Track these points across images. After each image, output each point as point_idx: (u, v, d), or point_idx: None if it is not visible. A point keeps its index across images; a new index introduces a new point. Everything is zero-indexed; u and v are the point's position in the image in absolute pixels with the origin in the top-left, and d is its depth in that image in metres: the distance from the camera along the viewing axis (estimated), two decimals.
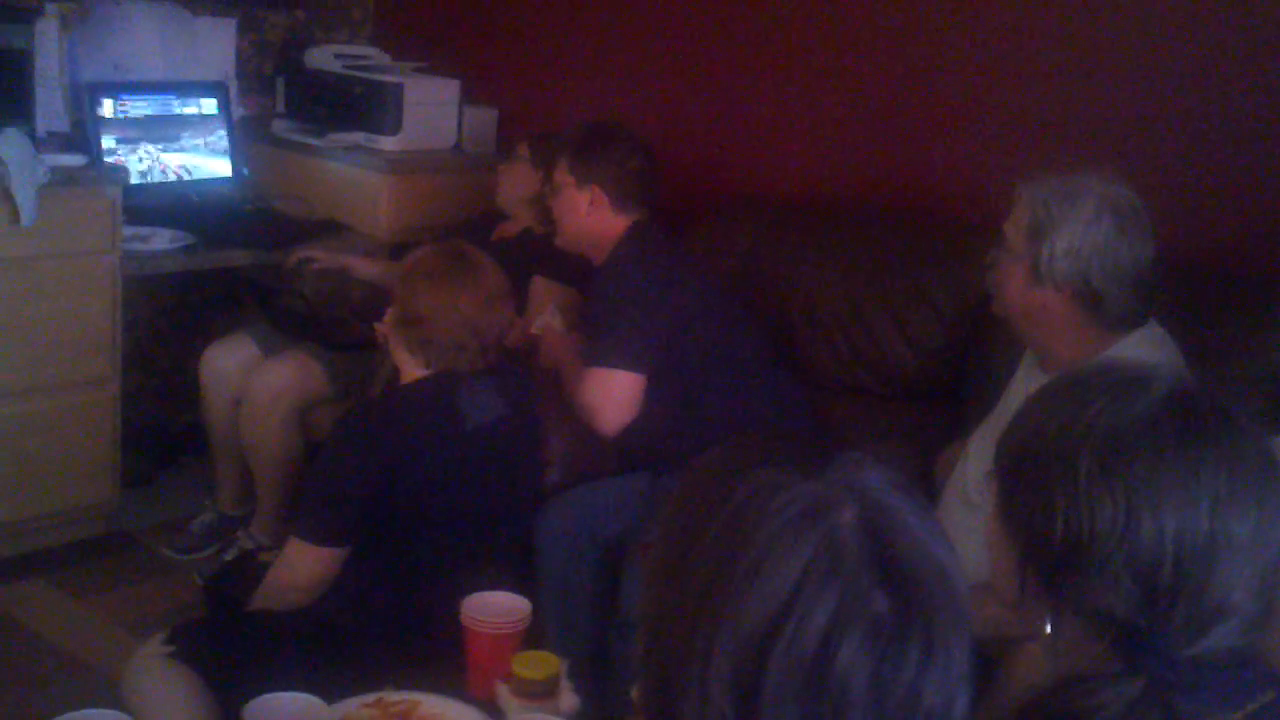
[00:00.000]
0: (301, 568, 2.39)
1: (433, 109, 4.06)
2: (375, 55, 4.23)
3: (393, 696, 1.94)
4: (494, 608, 2.03)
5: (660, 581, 0.94)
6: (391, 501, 2.39)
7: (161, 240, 3.53)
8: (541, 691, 1.85)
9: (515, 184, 3.52)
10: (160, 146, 3.83)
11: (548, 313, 3.11)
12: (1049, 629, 1.22)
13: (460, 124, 4.14)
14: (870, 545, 0.88)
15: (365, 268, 3.56)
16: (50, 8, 3.59)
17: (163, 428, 4.02)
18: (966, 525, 2.18)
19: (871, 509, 0.90)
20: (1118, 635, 1.15)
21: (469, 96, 4.15)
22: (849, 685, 0.85)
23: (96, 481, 3.47)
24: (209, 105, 3.96)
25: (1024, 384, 2.25)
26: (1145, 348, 2.15)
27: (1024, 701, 1.17)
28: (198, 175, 3.92)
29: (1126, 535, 1.14)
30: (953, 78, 3.27)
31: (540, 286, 3.29)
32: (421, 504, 2.41)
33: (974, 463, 2.27)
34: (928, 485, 2.57)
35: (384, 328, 2.51)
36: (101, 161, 3.54)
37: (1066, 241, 2.14)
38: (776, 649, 0.86)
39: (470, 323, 2.41)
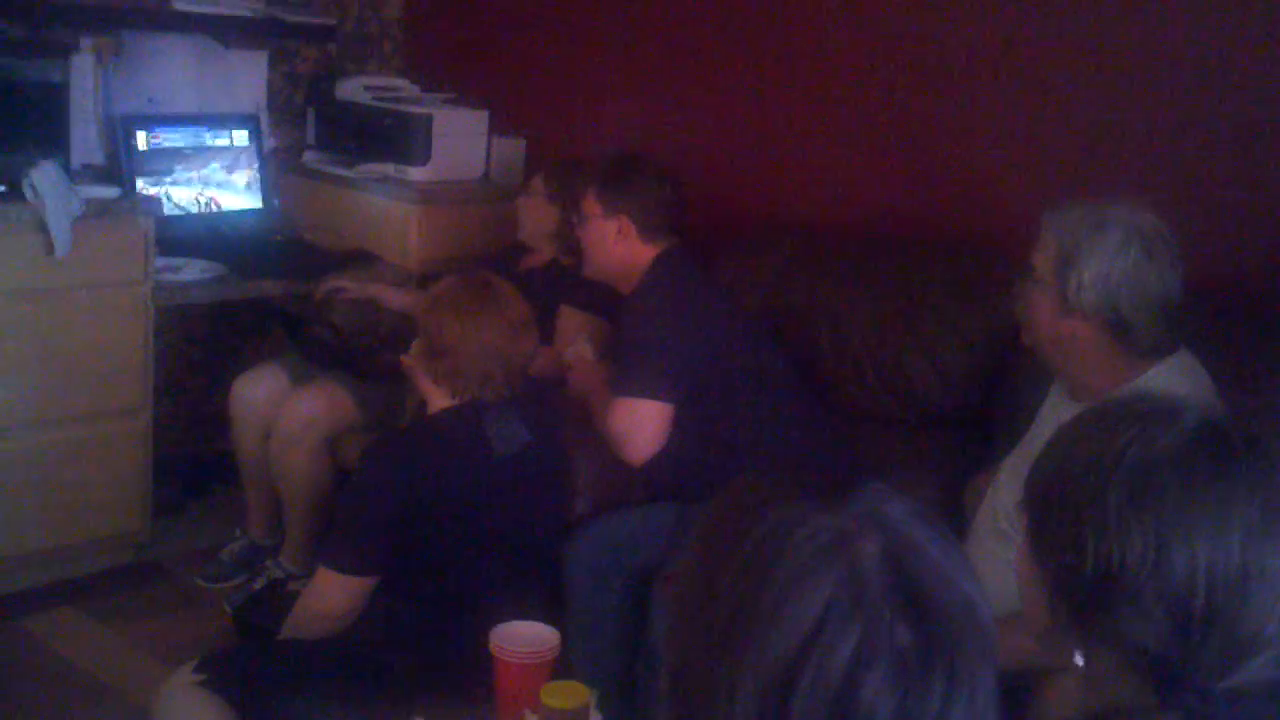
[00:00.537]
0: (331, 597, 2.40)
1: (461, 140, 4.09)
2: (405, 87, 4.26)
3: None
4: (522, 637, 2.04)
5: (684, 617, 0.94)
6: (420, 531, 2.39)
7: (193, 271, 3.56)
8: None
9: (536, 219, 3.53)
10: (193, 178, 3.87)
11: (580, 341, 3.11)
12: (1080, 661, 1.21)
13: (489, 154, 4.17)
14: (893, 578, 0.87)
15: (395, 298, 3.58)
16: (86, 42, 3.64)
17: (193, 457, 4.04)
18: (998, 555, 2.17)
19: (894, 541, 0.89)
20: (1151, 668, 1.15)
21: (497, 127, 4.17)
22: (874, 718, 0.85)
23: (127, 510, 3.50)
24: (241, 137, 4.00)
25: (1053, 413, 2.25)
26: (1175, 376, 2.14)
27: None
28: (229, 206, 3.96)
29: (1158, 568, 1.13)
30: (980, 106, 3.27)
31: (568, 316, 3.30)
32: (449, 533, 2.42)
33: (1005, 492, 2.26)
34: (957, 514, 2.57)
35: (409, 359, 2.53)
36: (135, 193, 3.58)
37: (1094, 270, 2.13)
38: (801, 684, 0.85)
39: (496, 352, 2.42)
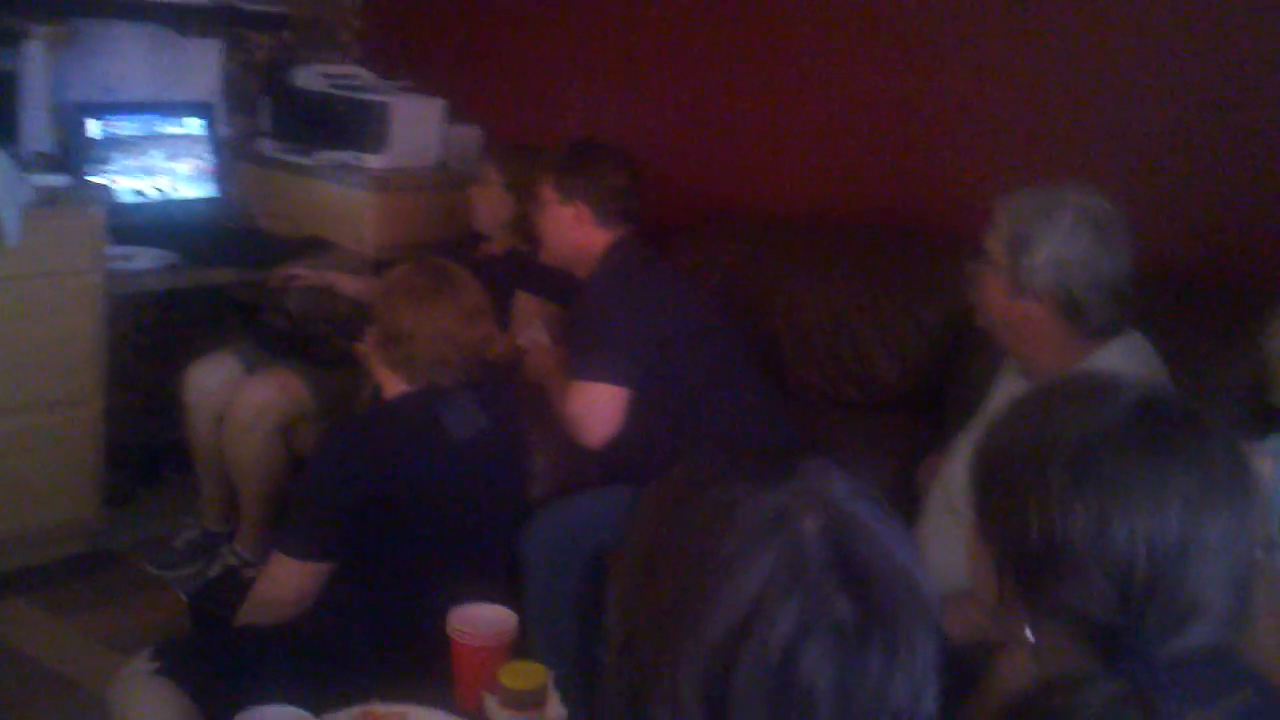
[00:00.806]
0: (286, 583, 2.39)
1: (418, 127, 4.08)
2: (361, 74, 4.25)
3: (380, 709, 1.94)
4: (480, 620, 2.04)
5: (630, 592, 0.95)
6: (376, 516, 2.39)
7: (146, 259, 3.54)
8: (529, 702, 1.86)
9: (491, 208, 3.53)
10: (146, 166, 3.84)
11: (534, 327, 3.12)
12: (1029, 633, 1.23)
13: (445, 142, 4.16)
14: (833, 553, 0.89)
15: (350, 285, 3.57)
16: (38, 30, 3.60)
17: (145, 445, 4.01)
18: (951, 533, 2.19)
19: (834, 517, 0.91)
20: (1095, 636, 1.17)
21: (454, 115, 4.16)
22: (814, 689, 0.87)
23: (79, 499, 3.47)
24: (195, 125, 3.97)
25: (1005, 392, 2.27)
26: (1125, 356, 2.17)
27: (1006, 704, 1.18)
28: (183, 195, 3.93)
29: (1100, 540, 1.16)
30: (934, 94, 3.30)
31: (524, 302, 3.31)
32: (406, 518, 2.42)
33: (957, 470, 2.28)
34: (911, 495, 2.59)
35: (365, 347, 2.52)
36: (86, 181, 3.55)
37: (1047, 253, 2.16)
38: (743, 657, 0.87)
39: (452, 338, 2.41)
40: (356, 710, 1.94)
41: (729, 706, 0.87)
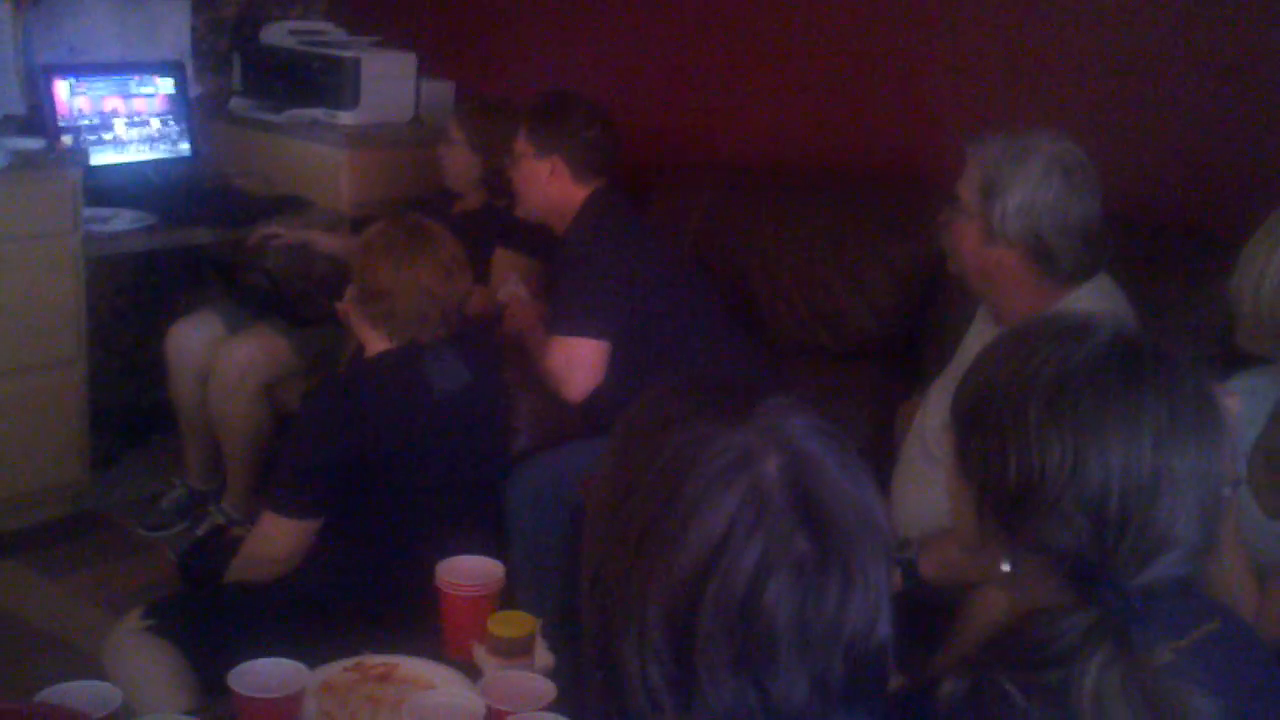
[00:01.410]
0: (275, 540, 2.42)
1: (390, 83, 4.06)
2: (331, 30, 4.23)
3: (372, 660, 1.98)
4: (467, 571, 2.07)
5: (600, 528, 0.99)
6: (362, 472, 2.42)
7: (123, 221, 3.53)
8: (518, 650, 1.89)
9: (458, 166, 3.54)
10: (118, 127, 3.82)
11: (513, 281, 3.13)
12: (1007, 567, 1.27)
13: (418, 97, 4.15)
14: (792, 492, 0.94)
15: (328, 242, 3.58)
16: None
17: (129, 407, 4.03)
18: (927, 476, 2.24)
19: (793, 456, 0.95)
20: (1071, 569, 1.21)
21: (426, 69, 4.15)
22: (775, 619, 0.92)
23: (65, 462, 3.49)
24: (166, 85, 3.95)
25: (979, 338, 2.31)
26: (1095, 299, 2.21)
27: (985, 636, 1.22)
28: (157, 155, 3.92)
29: (1075, 475, 1.19)
30: (904, 41, 3.31)
31: (502, 258, 3.32)
32: (392, 473, 2.44)
33: (932, 415, 2.32)
34: (888, 440, 2.63)
35: (345, 305, 2.54)
36: (60, 144, 3.53)
37: (1018, 199, 2.19)
38: (708, 591, 0.92)
39: (431, 293, 2.44)
40: (349, 662, 1.97)
41: (694, 639, 0.92)
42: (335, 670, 1.94)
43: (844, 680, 0.94)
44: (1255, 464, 1.97)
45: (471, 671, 1.93)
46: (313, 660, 1.90)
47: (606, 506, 0.99)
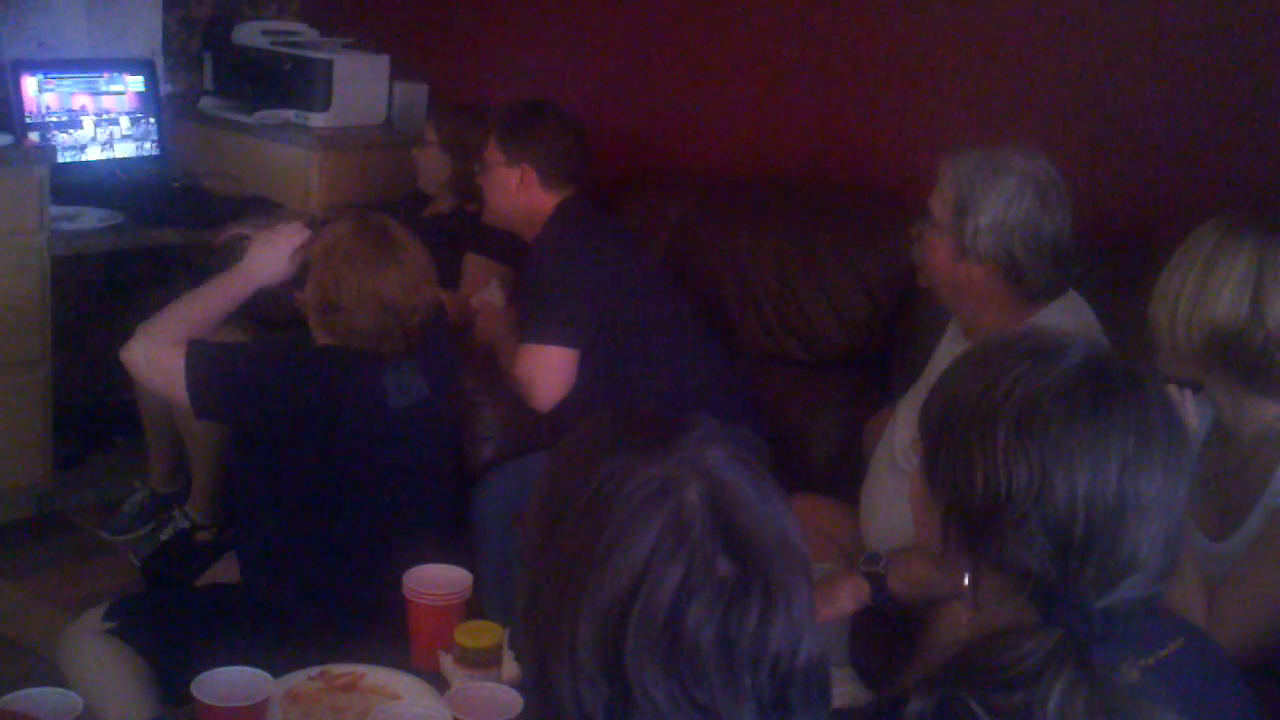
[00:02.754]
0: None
1: (362, 85, 4.04)
2: (303, 31, 4.20)
3: (337, 669, 1.96)
4: (436, 580, 2.06)
5: (534, 555, 1.03)
6: (319, 468, 2.38)
7: (90, 219, 3.50)
8: (485, 660, 1.89)
9: (431, 168, 3.54)
10: (87, 125, 3.79)
11: (491, 287, 3.12)
12: (968, 582, 1.27)
13: (390, 100, 4.14)
14: (712, 518, 0.98)
15: None
16: None
17: (94, 408, 3.99)
18: (895, 490, 2.25)
19: (714, 485, 0.99)
20: (1034, 589, 1.21)
21: (399, 72, 4.14)
22: (699, 640, 0.95)
23: (28, 462, 3.45)
24: (135, 83, 3.92)
25: (949, 351, 2.32)
26: (1064, 316, 2.22)
27: (947, 655, 1.22)
28: (125, 153, 3.89)
29: (1041, 495, 1.20)
30: (878, 53, 3.32)
31: (474, 263, 3.31)
32: (349, 476, 2.40)
33: (901, 429, 2.33)
34: (857, 452, 2.64)
35: (302, 300, 2.47)
36: (27, 141, 3.50)
37: (991, 217, 2.20)
38: (633, 615, 0.95)
39: (393, 308, 2.35)
40: (314, 671, 1.96)
41: (623, 661, 0.95)
42: (300, 679, 1.93)
43: (773, 698, 0.97)
44: (1193, 488, 1.98)
45: (438, 682, 1.92)
46: (277, 668, 1.89)
47: (539, 535, 1.03)
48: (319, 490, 2.39)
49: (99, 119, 3.82)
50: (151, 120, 3.94)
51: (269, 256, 2.57)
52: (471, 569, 2.13)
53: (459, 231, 3.35)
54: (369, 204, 3.65)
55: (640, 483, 0.98)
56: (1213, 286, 1.88)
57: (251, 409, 2.37)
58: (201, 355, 2.37)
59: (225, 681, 1.79)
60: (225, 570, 2.61)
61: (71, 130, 3.75)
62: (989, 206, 2.19)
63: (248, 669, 1.82)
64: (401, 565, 2.08)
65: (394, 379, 2.40)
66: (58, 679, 2.21)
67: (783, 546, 1.00)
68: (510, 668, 1.90)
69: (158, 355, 2.40)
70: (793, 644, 0.98)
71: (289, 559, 2.42)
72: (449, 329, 2.77)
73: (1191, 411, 1.84)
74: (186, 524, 3.38)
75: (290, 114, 3.95)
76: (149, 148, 3.94)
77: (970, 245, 2.21)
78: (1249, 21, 2.77)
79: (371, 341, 2.37)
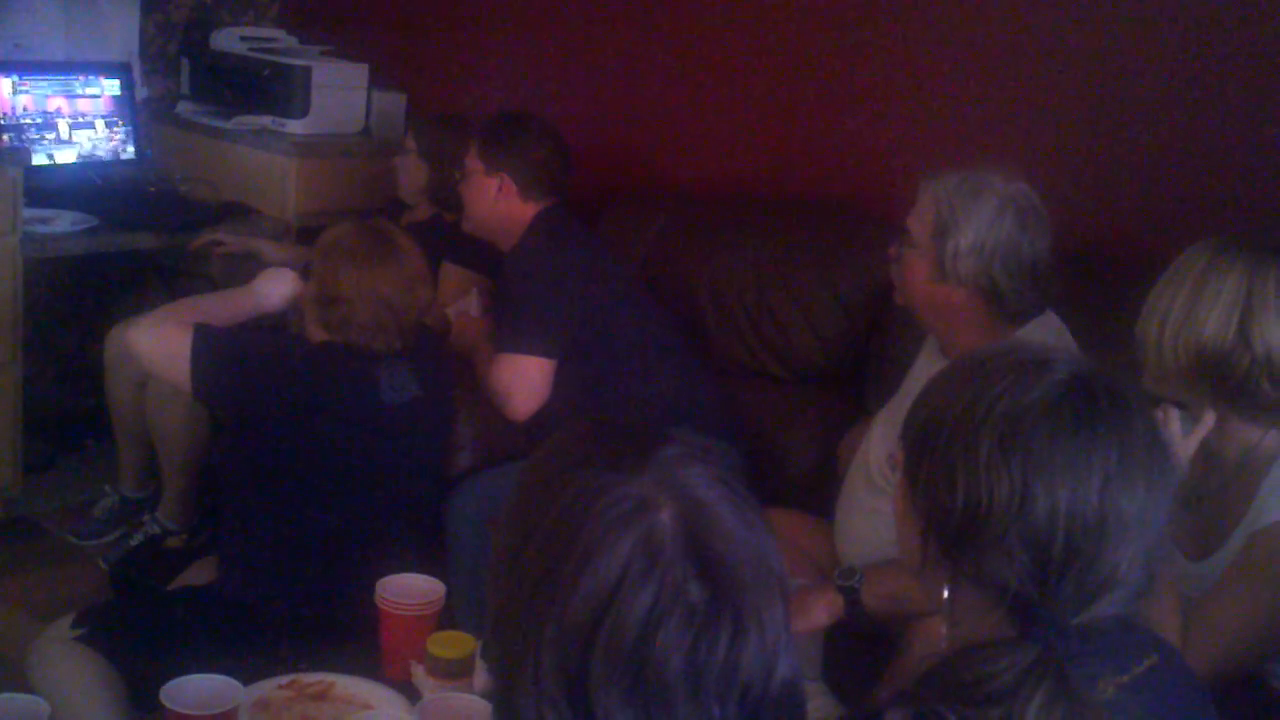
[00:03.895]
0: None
1: (341, 93, 4.04)
2: (282, 38, 4.19)
3: (308, 678, 1.96)
4: (408, 590, 2.06)
5: (501, 571, 1.00)
6: (308, 458, 2.38)
7: (64, 223, 3.48)
8: (457, 671, 1.88)
9: (409, 176, 3.54)
10: (62, 128, 3.77)
11: (469, 296, 3.12)
12: (946, 595, 1.28)
13: (369, 108, 4.13)
14: (686, 541, 0.95)
15: (273, 251, 3.53)
16: None
17: (65, 412, 3.96)
18: (870, 506, 2.26)
19: (689, 506, 0.97)
20: (1012, 605, 1.21)
21: (377, 80, 4.13)
22: (667, 667, 0.92)
23: None
24: (112, 86, 3.90)
25: (926, 369, 2.32)
26: (1042, 336, 2.23)
27: (923, 669, 1.22)
28: (101, 157, 3.87)
29: (1022, 510, 1.20)
30: (857, 71, 3.34)
31: (450, 273, 3.31)
32: (336, 467, 2.41)
33: (877, 445, 2.34)
34: (832, 468, 2.64)
35: (302, 297, 2.52)
36: (1, 142, 3.48)
37: (970, 239, 2.21)
38: (599, 639, 0.92)
39: (390, 304, 2.41)
40: (284, 679, 1.95)
41: (589, 685, 0.92)
42: (270, 687, 1.92)
43: None
44: (1174, 508, 1.99)
45: (410, 692, 1.91)
46: (247, 675, 1.88)
47: (507, 550, 1.00)
48: (305, 481, 2.40)
49: (74, 122, 3.80)
50: (128, 124, 3.92)
51: (276, 288, 2.66)
52: (444, 578, 2.12)
53: (436, 240, 3.34)
54: (345, 211, 3.64)
55: (612, 501, 0.95)
56: (1202, 307, 1.89)
57: (249, 393, 2.40)
58: (207, 337, 2.41)
59: (194, 689, 1.78)
60: (196, 577, 2.60)
61: (46, 133, 3.72)
62: (969, 229, 2.20)
63: (217, 677, 1.81)
64: (379, 567, 2.08)
65: (388, 375, 2.44)
66: (25, 684, 2.19)
67: (759, 570, 0.97)
68: (482, 678, 1.89)
69: (166, 333, 2.43)
70: (767, 668, 0.95)
71: (269, 554, 2.43)
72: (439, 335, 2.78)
73: (1177, 431, 1.84)
74: (157, 530, 3.36)
75: (268, 120, 3.94)
76: (125, 151, 3.92)
77: (950, 267, 2.22)
78: (1226, 45, 2.79)
79: (368, 336, 2.41)
